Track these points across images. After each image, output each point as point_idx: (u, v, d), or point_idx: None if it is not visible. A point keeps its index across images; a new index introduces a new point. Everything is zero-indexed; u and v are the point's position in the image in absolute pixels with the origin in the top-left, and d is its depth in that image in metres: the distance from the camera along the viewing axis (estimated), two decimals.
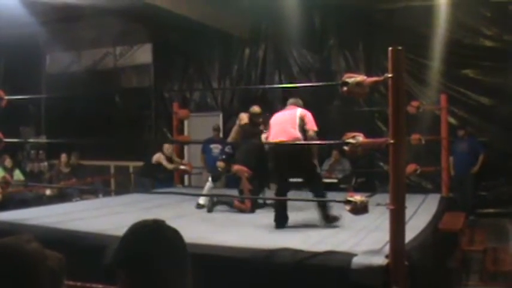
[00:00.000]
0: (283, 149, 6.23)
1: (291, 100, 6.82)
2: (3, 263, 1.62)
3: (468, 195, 10.54)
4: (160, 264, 1.65)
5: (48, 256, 1.71)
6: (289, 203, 6.46)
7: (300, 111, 6.47)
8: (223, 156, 8.47)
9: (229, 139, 8.39)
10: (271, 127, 6.58)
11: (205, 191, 8.11)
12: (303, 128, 6.29)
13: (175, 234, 1.75)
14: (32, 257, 1.65)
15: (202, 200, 7.87)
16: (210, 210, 7.52)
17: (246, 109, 11.34)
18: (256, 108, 8.22)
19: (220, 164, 8.34)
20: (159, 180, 10.44)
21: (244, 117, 8.16)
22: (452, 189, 9.77)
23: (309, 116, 6.42)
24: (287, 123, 6.37)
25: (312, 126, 6.32)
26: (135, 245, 1.71)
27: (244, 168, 7.56)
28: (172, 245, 1.72)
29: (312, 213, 6.60)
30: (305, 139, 6.16)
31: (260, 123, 8.04)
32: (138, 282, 1.66)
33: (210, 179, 8.28)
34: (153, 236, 1.71)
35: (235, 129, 8.34)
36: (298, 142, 6.12)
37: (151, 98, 14.54)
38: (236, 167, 7.66)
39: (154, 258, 1.66)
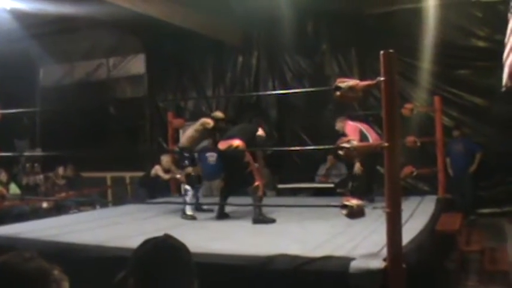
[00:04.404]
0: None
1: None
2: (2, 284, 1.59)
3: (468, 196, 10.55)
4: (167, 273, 1.75)
5: (52, 273, 1.68)
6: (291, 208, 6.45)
7: None
8: (186, 162, 8.33)
9: (186, 143, 8.25)
10: (369, 134, 8.38)
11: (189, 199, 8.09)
12: None
13: (182, 247, 1.85)
14: (33, 276, 1.61)
15: (189, 211, 7.78)
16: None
17: (241, 116, 11.41)
18: (219, 114, 8.43)
19: (189, 170, 8.25)
20: (157, 190, 10.46)
21: (210, 122, 8.17)
22: (451, 190, 9.81)
23: None
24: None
25: None
26: (145, 256, 1.80)
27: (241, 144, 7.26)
28: (179, 257, 1.82)
29: (308, 218, 6.62)
30: None
31: (223, 128, 8.08)
32: None
33: (186, 187, 8.23)
34: (162, 247, 1.82)
35: (192, 134, 8.25)
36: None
37: (146, 108, 14.54)
38: (237, 143, 7.25)
39: (162, 268, 1.75)
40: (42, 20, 11.46)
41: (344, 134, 8.38)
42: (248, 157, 7.31)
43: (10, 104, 7.97)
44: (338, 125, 8.82)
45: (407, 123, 9.05)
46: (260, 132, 7.69)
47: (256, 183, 7.15)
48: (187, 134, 8.34)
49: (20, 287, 1.58)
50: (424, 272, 4.84)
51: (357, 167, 8.35)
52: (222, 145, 7.41)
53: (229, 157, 7.48)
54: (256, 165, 7.57)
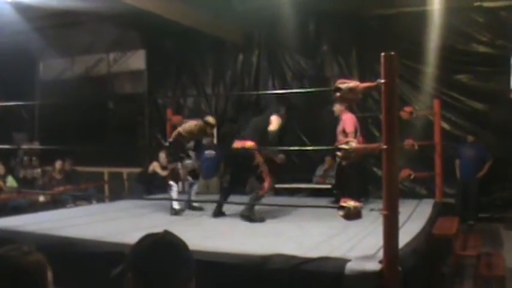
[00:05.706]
0: None
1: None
2: (0, 276, 1.57)
3: (472, 201, 10.53)
4: (165, 269, 1.74)
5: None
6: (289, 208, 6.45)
7: None
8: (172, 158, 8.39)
9: (183, 132, 8.24)
10: (358, 131, 8.32)
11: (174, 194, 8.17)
12: None
13: (181, 243, 1.84)
14: (32, 270, 1.60)
15: (176, 205, 7.82)
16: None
17: (241, 115, 11.36)
18: (211, 119, 8.38)
19: (175, 169, 8.33)
20: (154, 187, 10.46)
21: (213, 122, 8.31)
22: (456, 194, 9.81)
23: None
24: None
25: None
26: (144, 251, 1.78)
27: (253, 145, 7.12)
28: (178, 254, 1.80)
29: (305, 219, 6.61)
30: None
31: (209, 135, 8.10)
32: (145, 285, 1.73)
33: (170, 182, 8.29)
34: (161, 244, 1.80)
35: (194, 128, 8.27)
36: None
37: (145, 104, 14.53)
38: (248, 144, 7.15)
39: (160, 264, 1.74)
40: (42, 13, 11.42)
41: (338, 118, 8.47)
42: (258, 159, 7.19)
43: (9, 97, 7.97)
44: (336, 107, 8.64)
45: (406, 127, 9.03)
46: (272, 126, 7.31)
47: (266, 184, 7.10)
48: (188, 126, 8.31)
49: (19, 280, 1.58)
50: (420, 276, 4.84)
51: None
52: (237, 145, 7.33)
53: (239, 158, 7.39)
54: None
